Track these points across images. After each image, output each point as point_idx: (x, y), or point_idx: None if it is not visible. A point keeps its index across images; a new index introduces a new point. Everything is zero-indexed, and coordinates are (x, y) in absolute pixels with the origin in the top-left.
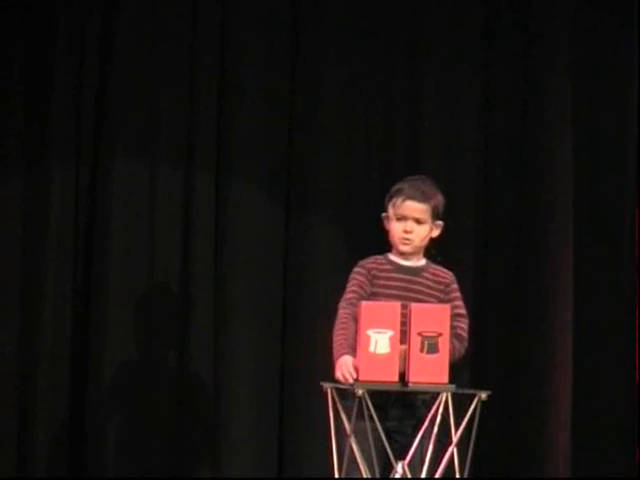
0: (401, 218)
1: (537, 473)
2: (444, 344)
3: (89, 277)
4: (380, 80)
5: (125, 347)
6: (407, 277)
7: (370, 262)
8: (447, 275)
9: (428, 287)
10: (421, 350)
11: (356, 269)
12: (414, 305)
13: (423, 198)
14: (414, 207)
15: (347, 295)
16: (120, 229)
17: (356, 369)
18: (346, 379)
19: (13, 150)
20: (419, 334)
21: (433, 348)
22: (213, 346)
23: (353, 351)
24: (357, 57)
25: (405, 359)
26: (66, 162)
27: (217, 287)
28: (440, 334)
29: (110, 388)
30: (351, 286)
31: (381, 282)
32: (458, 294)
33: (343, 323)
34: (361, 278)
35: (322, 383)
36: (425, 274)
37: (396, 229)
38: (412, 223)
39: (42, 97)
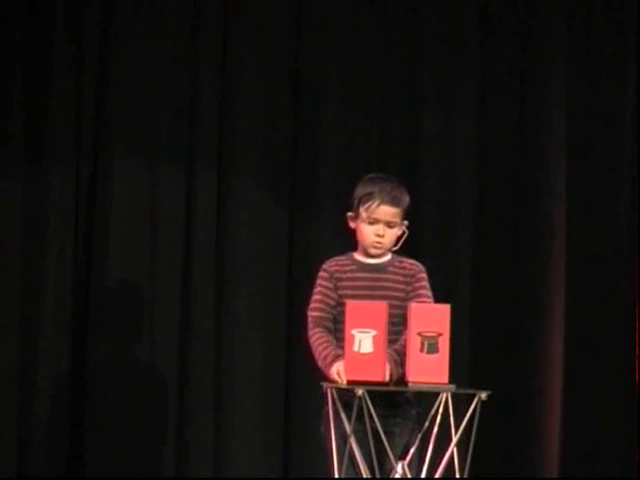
0: (373, 222)
1: (536, 473)
2: (444, 344)
3: (90, 277)
4: (380, 83)
5: (126, 346)
6: (372, 275)
7: (332, 264)
8: (414, 266)
9: (395, 282)
10: (421, 350)
11: (320, 273)
12: (414, 305)
13: (396, 202)
14: (388, 211)
15: (312, 305)
16: (121, 229)
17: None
18: (335, 380)
19: (13, 151)
20: (419, 334)
21: (433, 348)
22: (215, 345)
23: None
24: (358, 60)
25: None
26: (67, 162)
27: (219, 287)
28: (440, 334)
29: (110, 388)
30: (316, 294)
31: (346, 283)
32: (424, 283)
33: (321, 338)
34: (325, 283)
35: (322, 383)
36: (391, 269)
37: (367, 232)
38: (384, 227)
39: (42, 97)
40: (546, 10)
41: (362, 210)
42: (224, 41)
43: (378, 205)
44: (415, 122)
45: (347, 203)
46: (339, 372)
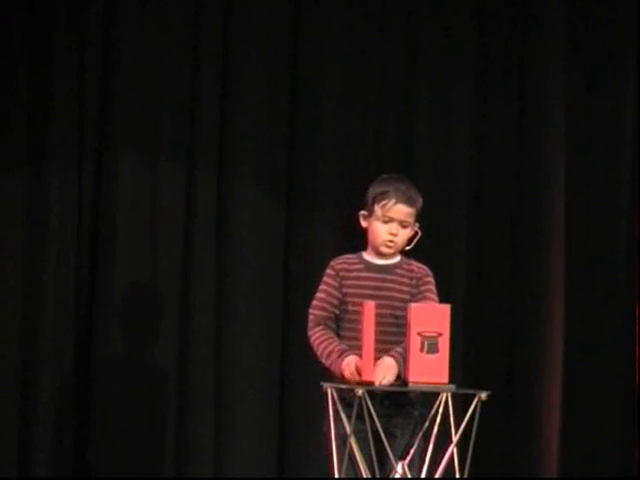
0: (388, 221)
1: (536, 473)
2: (444, 344)
3: (91, 275)
4: (377, 81)
5: (127, 344)
6: (379, 276)
7: (340, 262)
8: (421, 269)
9: (401, 284)
10: (421, 350)
11: (327, 270)
12: (414, 305)
13: (411, 202)
14: (404, 211)
15: (315, 302)
16: (123, 227)
17: (357, 370)
18: (352, 378)
19: (15, 150)
20: (419, 334)
21: (433, 348)
22: (214, 345)
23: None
24: (356, 59)
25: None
26: (68, 161)
27: (219, 286)
28: (440, 334)
29: (111, 387)
30: (319, 292)
31: (352, 282)
32: (430, 287)
33: (323, 335)
34: (330, 281)
35: (322, 383)
36: (398, 270)
37: (380, 231)
38: (397, 226)
39: (44, 96)
40: (545, 5)
41: (377, 208)
42: (224, 42)
43: (394, 204)
44: (413, 120)
45: (345, 202)
46: (353, 372)
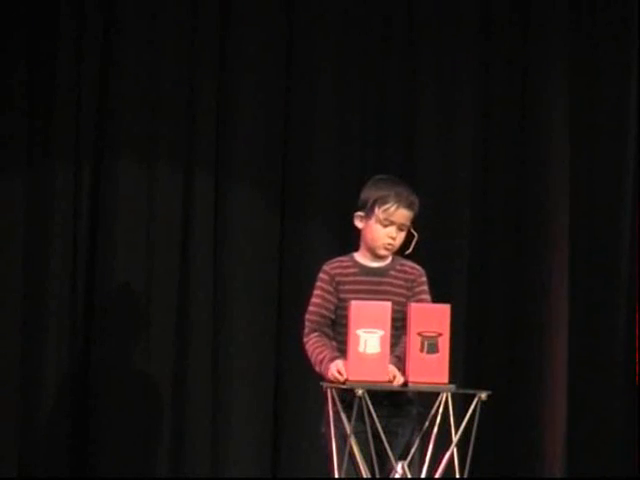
0: (388, 224)
1: (537, 473)
2: (444, 344)
3: (91, 276)
4: (375, 86)
5: (124, 346)
6: (374, 279)
7: (335, 266)
8: (415, 270)
9: (396, 286)
10: (421, 350)
11: (321, 274)
12: (414, 305)
13: (412, 207)
14: (405, 215)
15: (311, 308)
16: (120, 231)
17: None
18: (336, 378)
19: (15, 153)
20: (419, 334)
21: (433, 348)
22: (212, 345)
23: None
24: (353, 62)
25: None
26: (68, 163)
27: (215, 288)
28: (440, 334)
29: (109, 388)
30: (315, 297)
31: (348, 287)
32: (424, 288)
33: (317, 342)
34: (325, 286)
35: (322, 383)
36: (392, 272)
37: (380, 233)
38: (396, 229)
39: (44, 99)
40: (547, 6)
41: (379, 212)
42: (221, 45)
43: (397, 208)
44: (413, 116)
45: (340, 204)
46: (339, 370)
